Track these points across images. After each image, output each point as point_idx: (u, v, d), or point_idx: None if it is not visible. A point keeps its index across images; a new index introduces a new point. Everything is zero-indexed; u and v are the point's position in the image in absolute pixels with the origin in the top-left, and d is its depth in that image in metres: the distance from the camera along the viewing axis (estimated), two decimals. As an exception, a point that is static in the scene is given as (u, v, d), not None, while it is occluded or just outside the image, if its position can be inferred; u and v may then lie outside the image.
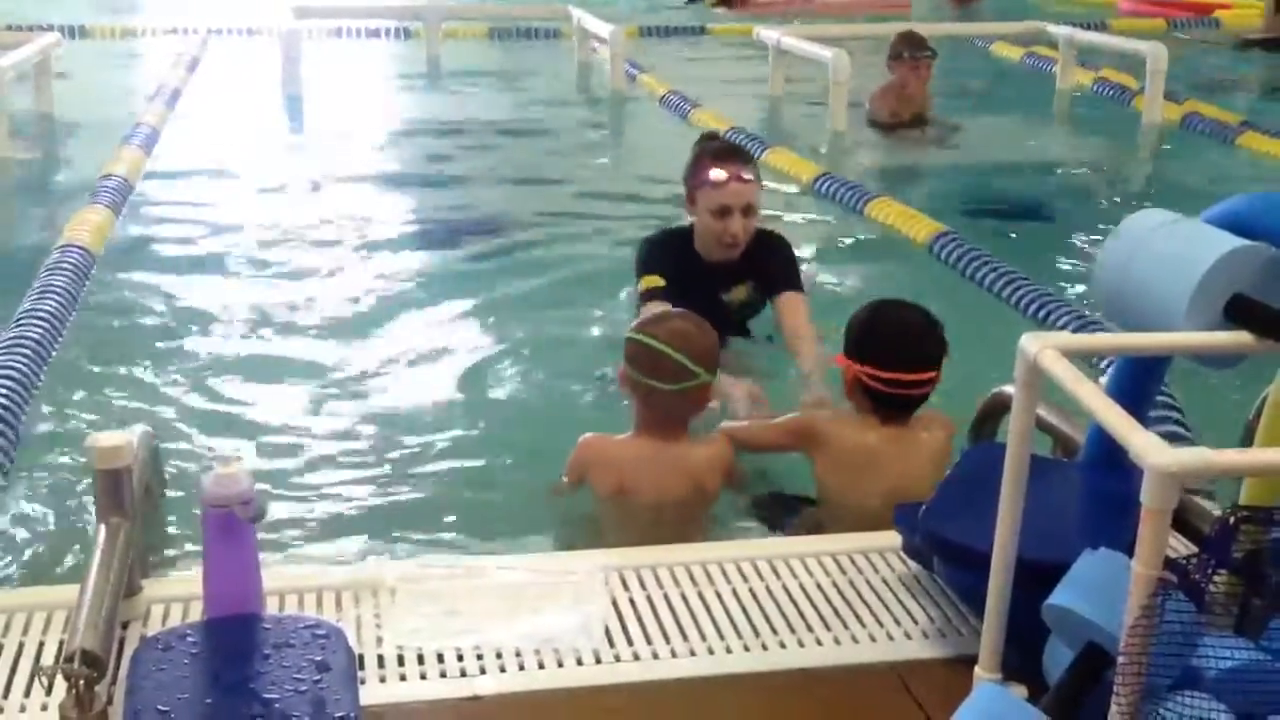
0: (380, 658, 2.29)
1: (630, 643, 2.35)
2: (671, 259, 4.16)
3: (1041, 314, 4.58)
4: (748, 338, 4.26)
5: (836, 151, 7.60)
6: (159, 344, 4.30)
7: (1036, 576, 2.06)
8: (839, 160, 7.27)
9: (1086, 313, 4.43)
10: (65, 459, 3.37)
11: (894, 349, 3.05)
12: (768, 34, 9.23)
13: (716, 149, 4.22)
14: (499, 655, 2.30)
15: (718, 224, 4.07)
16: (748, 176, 4.08)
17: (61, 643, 2.25)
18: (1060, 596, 1.97)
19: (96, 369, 4.05)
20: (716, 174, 4.04)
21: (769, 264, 4.19)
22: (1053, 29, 9.86)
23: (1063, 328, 4.37)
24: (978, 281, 4.99)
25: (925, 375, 3.06)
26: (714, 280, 4.13)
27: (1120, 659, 1.73)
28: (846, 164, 7.16)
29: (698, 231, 4.16)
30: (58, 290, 4.52)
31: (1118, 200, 6.61)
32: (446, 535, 3.08)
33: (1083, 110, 9.08)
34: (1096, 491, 2.39)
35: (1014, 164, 7.36)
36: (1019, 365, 1.98)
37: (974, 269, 5.07)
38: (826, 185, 6.40)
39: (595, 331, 4.46)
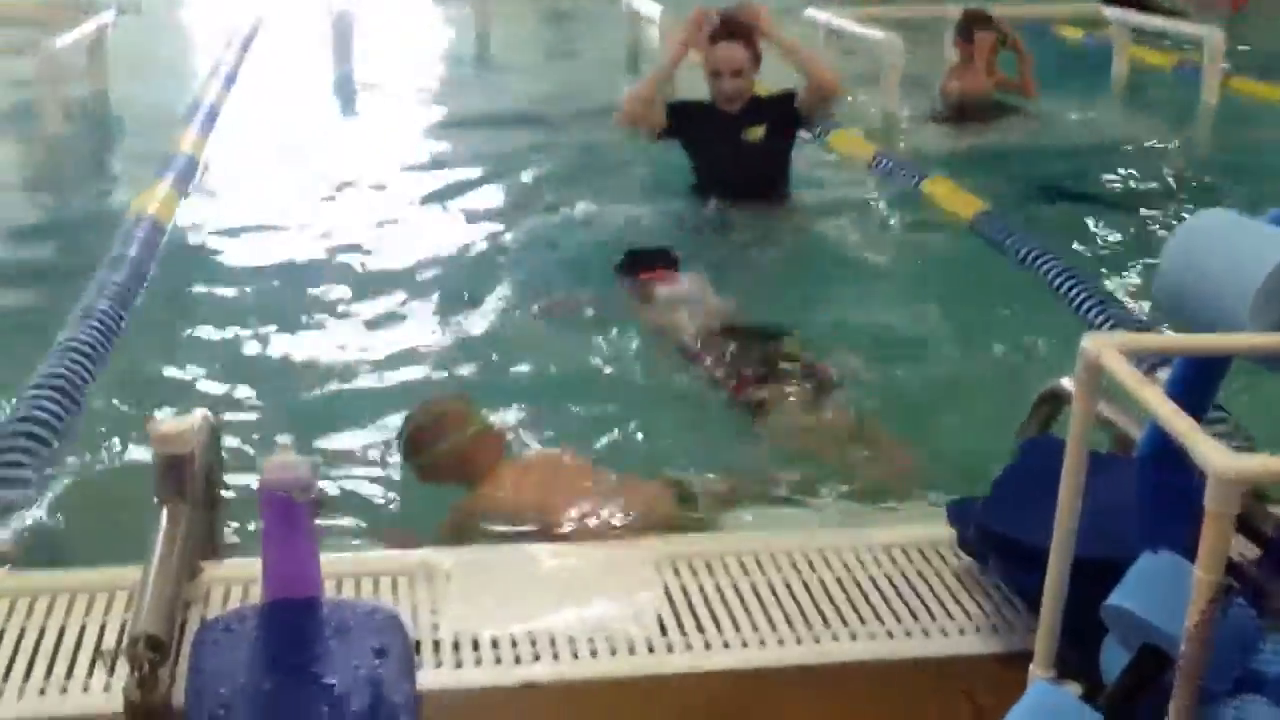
0: (436, 643, 2.32)
1: (683, 632, 2.36)
2: (693, 109, 5.47)
3: (1072, 294, 4.58)
4: (769, 195, 5.43)
5: (892, 133, 7.54)
6: (219, 323, 4.33)
7: (1092, 573, 2.06)
8: (895, 141, 7.21)
9: (1129, 303, 4.42)
10: (126, 436, 3.41)
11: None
12: (818, 15, 9.18)
13: (719, 22, 5.31)
14: (553, 642, 2.32)
15: (714, 83, 5.34)
16: (735, 45, 5.25)
17: (123, 624, 2.29)
18: (1119, 597, 1.96)
19: (158, 346, 4.09)
20: (711, 41, 5.28)
21: (777, 109, 5.36)
22: (1107, 11, 9.74)
23: (1088, 310, 4.44)
24: (1021, 262, 4.97)
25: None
26: (732, 124, 5.34)
27: (1179, 662, 1.73)
28: (903, 145, 7.11)
29: (710, 91, 5.40)
30: (126, 265, 4.58)
31: (1173, 186, 6.52)
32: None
33: (1143, 92, 8.96)
34: (1154, 488, 2.38)
35: (1075, 147, 7.28)
36: (1079, 365, 1.97)
37: (1016, 250, 5.05)
38: (883, 164, 6.38)
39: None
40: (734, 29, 5.37)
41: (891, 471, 3.49)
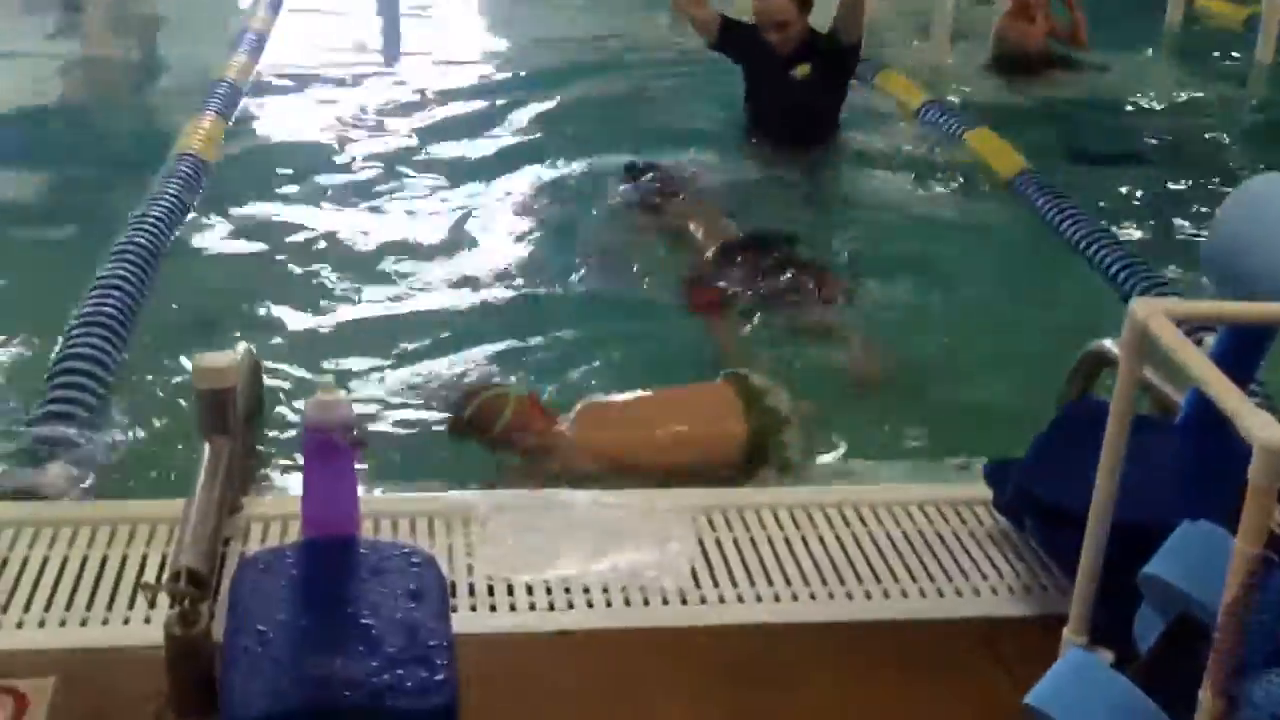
0: (471, 586, 2.34)
1: (716, 584, 2.37)
2: (748, 34, 5.51)
3: (1098, 256, 4.56)
4: (814, 134, 5.51)
5: (942, 81, 7.43)
6: (261, 258, 4.36)
7: (1130, 538, 2.05)
8: (945, 90, 7.13)
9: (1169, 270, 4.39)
10: (168, 370, 3.45)
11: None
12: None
13: None
14: (586, 590, 2.34)
15: (761, 32, 5.43)
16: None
17: (164, 557, 2.32)
18: (1157, 566, 1.95)
19: (200, 281, 4.11)
20: None
21: (825, 50, 5.39)
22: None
23: (1109, 263, 4.44)
24: (1050, 224, 4.93)
25: None
26: (781, 60, 5.43)
27: (1216, 634, 1.72)
28: (952, 93, 7.02)
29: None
30: (169, 198, 4.60)
31: (1218, 149, 6.41)
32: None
33: (1201, 47, 8.80)
34: (1195, 456, 2.37)
35: (1124, 102, 7.18)
36: (1126, 329, 1.95)
37: (1050, 211, 5.01)
38: (930, 113, 6.31)
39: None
40: None
41: (866, 372, 3.77)
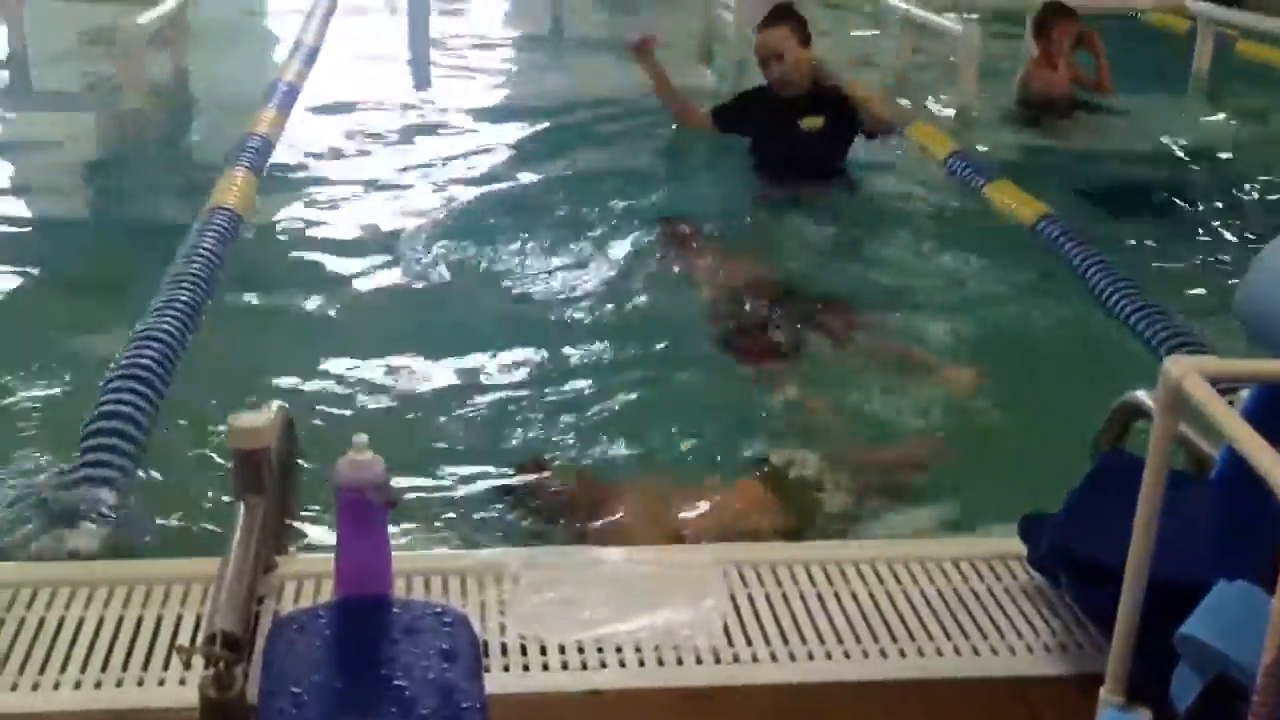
0: (504, 645, 2.33)
1: (749, 642, 2.37)
2: (751, 100, 5.67)
3: (1118, 303, 4.54)
4: (823, 180, 5.47)
5: (968, 126, 7.46)
6: (295, 313, 4.37)
7: (1166, 597, 2.03)
8: (971, 136, 7.14)
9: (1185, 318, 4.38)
10: (202, 427, 3.46)
11: None
12: (895, 3, 9.10)
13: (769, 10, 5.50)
14: (618, 649, 2.33)
15: (764, 71, 5.49)
16: (768, 30, 5.39)
17: (199, 617, 2.34)
18: (1193, 626, 1.94)
19: (234, 336, 4.13)
20: (759, 30, 5.45)
21: (840, 106, 5.42)
22: (1191, 4, 9.57)
23: (1128, 311, 4.43)
24: (1074, 272, 4.91)
25: None
26: (790, 112, 5.45)
27: (1254, 695, 1.71)
28: (976, 142, 7.03)
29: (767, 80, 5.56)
30: (205, 253, 4.62)
31: (1243, 197, 6.36)
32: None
33: (1230, 92, 8.79)
34: (1231, 513, 2.35)
35: (1152, 150, 7.15)
36: (1160, 389, 1.95)
37: (1073, 257, 4.99)
38: (957, 164, 6.32)
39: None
40: (776, 12, 5.48)
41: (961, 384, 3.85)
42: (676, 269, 4.88)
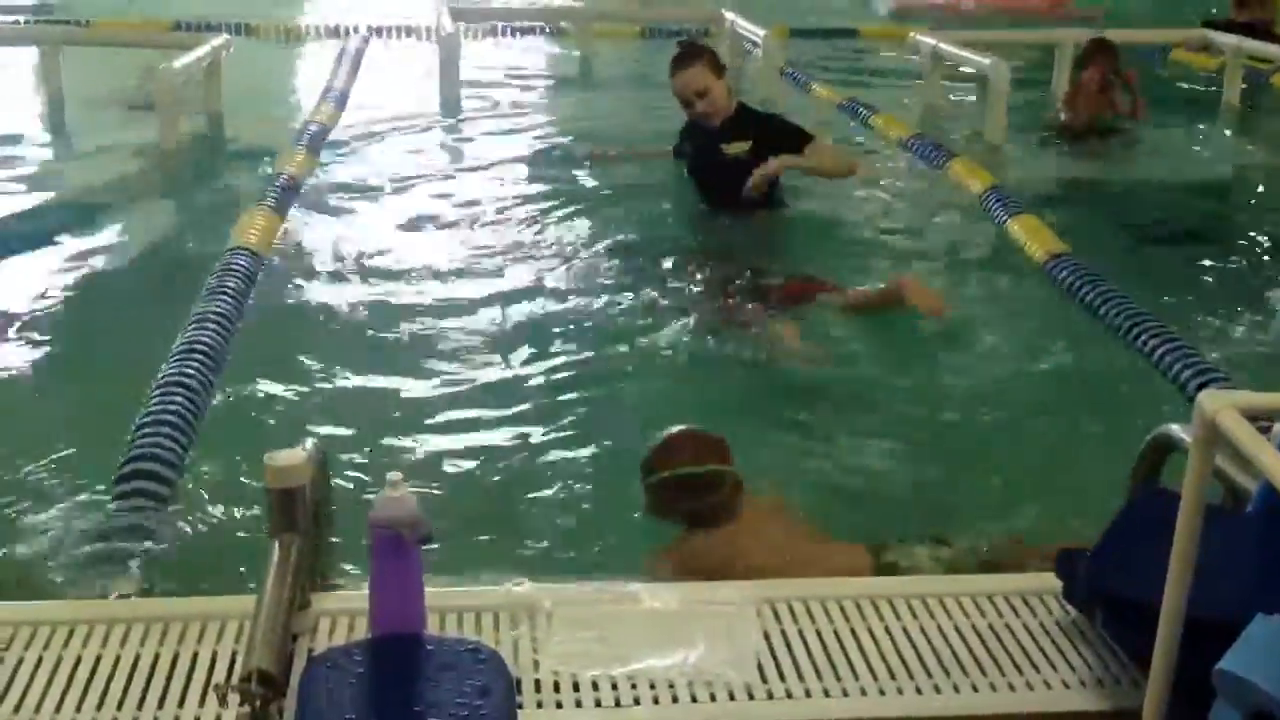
0: (537, 682, 2.33)
1: (782, 678, 2.35)
2: (687, 133, 5.95)
3: (1139, 339, 4.52)
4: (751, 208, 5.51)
5: (998, 160, 7.46)
6: (322, 352, 4.40)
7: (1203, 633, 2.02)
8: (1000, 171, 7.14)
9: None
10: (233, 466, 3.48)
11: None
12: (923, 39, 9.13)
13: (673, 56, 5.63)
14: (652, 686, 2.32)
15: (688, 111, 5.66)
16: (685, 71, 5.51)
17: (234, 654, 2.34)
18: (1231, 661, 1.92)
19: (262, 375, 4.16)
20: (671, 74, 5.58)
21: (767, 133, 5.51)
22: (1216, 37, 9.57)
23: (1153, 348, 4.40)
24: (1095, 310, 4.89)
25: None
26: (716, 138, 5.56)
27: (1295, 733, 1.70)
28: (1006, 175, 7.04)
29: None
30: (228, 293, 4.66)
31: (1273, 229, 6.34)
32: (602, 558, 3.12)
33: (1262, 124, 8.78)
34: (1268, 545, 2.33)
35: (1183, 182, 7.15)
36: (1195, 423, 1.94)
37: (1091, 297, 4.97)
38: (989, 198, 6.31)
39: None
40: (687, 52, 5.61)
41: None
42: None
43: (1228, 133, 8.65)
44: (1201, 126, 8.58)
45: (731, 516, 3.13)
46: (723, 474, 3.14)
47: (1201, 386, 3.95)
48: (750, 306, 4.70)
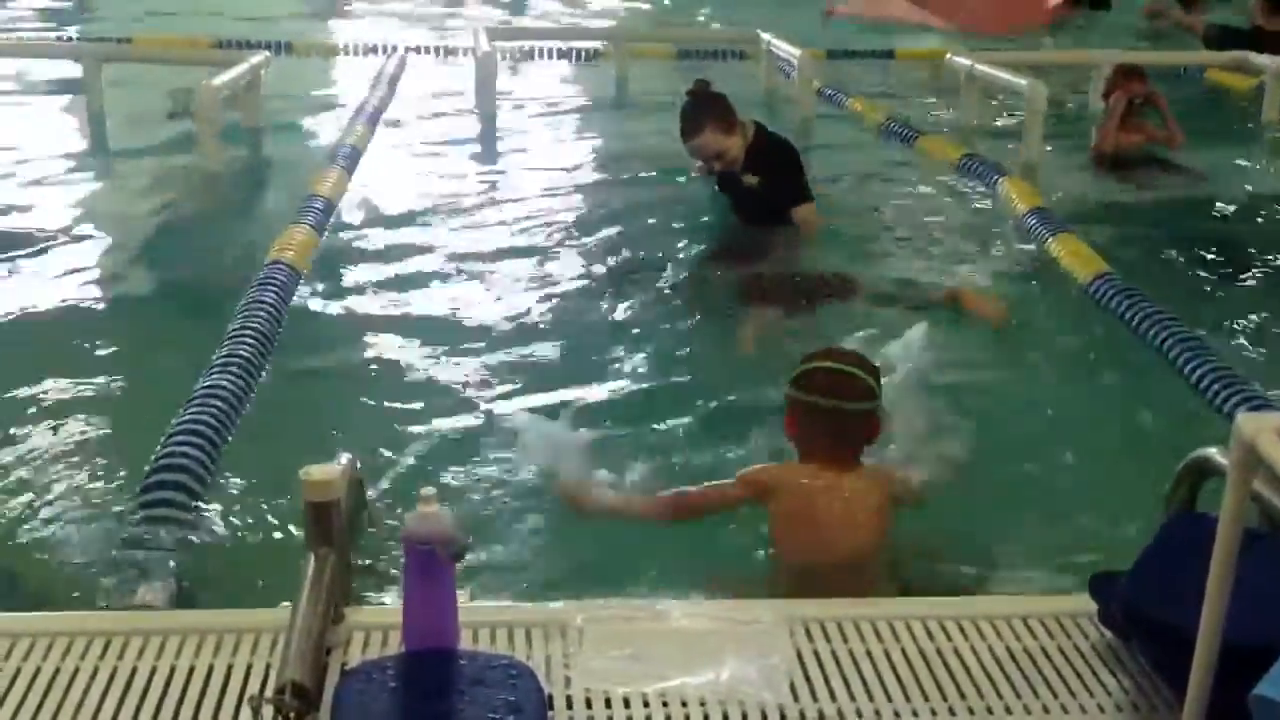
0: (569, 699, 2.33)
1: (814, 698, 2.35)
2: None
3: (1178, 359, 4.51)
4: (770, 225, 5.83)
5: (1034, 182, 7.43)
6: (356, 368, 4.43)
7: (1241, 658, 2.00)
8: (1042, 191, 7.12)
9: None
10: (267, 479, 3.50)
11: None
12: (959, 61, 9.13)
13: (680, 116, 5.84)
14: (684, 704, 2.32)
15: (709, 168, 5.89)
16: (695, 139, 5.73)
17: (267, 666, 2.36)
18: (1267, 687, 1.91)
19: (297, 390, 4.19)
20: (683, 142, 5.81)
21: (772, 169, 5.81)
22: (1256, 58, 9.51)
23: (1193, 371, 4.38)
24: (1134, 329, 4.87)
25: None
26: (735, 171, 5.80)
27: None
28: (1048, 196, 7.01)
29: None
30: (266, 307, 4.70)
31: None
32: (635, 575, 3.12)
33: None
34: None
35: (1221, 205, 7.11)
36: (1234, 446, 1.93)
37: (1130, 314, 4.95)
38: (1029, 219, 6.30)
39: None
40: (695, 118, 5.72)
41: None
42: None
43: (1267, 155, 8.60)
44: (1240, 148, 8.52)
45: (844, 452, 3.21)
46: (875, 393, 3.23)
47: (1238, 407, 3.93)
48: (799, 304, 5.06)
